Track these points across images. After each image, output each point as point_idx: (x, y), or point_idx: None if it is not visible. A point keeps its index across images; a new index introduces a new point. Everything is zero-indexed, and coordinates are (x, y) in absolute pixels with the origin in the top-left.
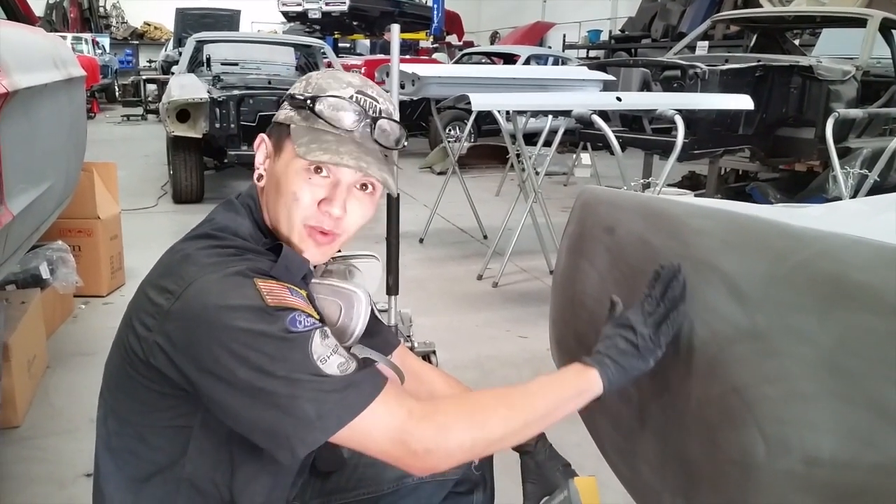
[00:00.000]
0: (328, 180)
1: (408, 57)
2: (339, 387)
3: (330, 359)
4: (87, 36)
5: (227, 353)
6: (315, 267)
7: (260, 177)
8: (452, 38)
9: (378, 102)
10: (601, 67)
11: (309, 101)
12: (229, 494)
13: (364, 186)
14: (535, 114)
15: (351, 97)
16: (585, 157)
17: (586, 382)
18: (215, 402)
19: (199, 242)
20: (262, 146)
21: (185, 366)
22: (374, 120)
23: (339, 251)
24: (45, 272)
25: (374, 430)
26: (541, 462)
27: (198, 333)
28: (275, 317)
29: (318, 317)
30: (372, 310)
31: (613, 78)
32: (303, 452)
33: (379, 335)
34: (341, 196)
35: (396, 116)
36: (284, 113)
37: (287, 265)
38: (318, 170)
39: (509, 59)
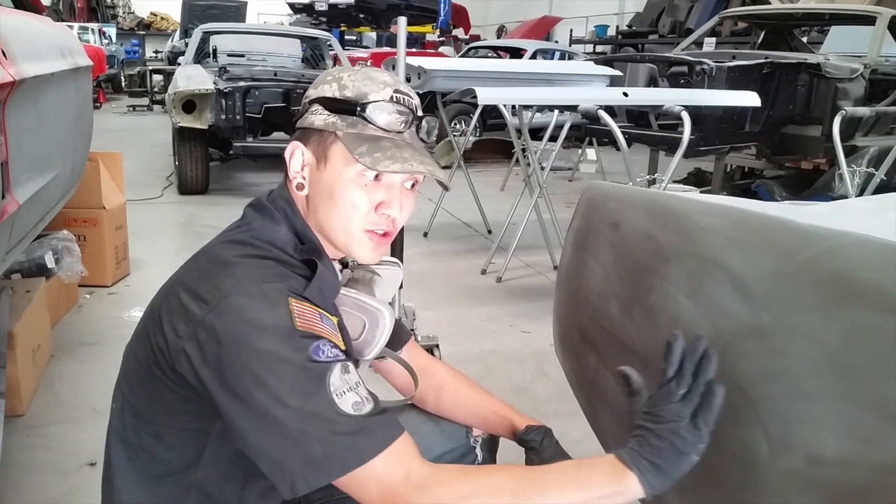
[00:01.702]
0: (382, 184)
1: (414, 50)
2: (349, 430)
3: (346, 395)
4: (94, 26)
5: (248, 374)
6: (342, 271)
7: (300, 186)
8: (459, 32)
9: (412, 98)
10: (608, 63)
11: (359, 108)
12: None
13: (411, 184)
14: (541, 108)
15: (391, 98)
16: (591, 153)
17: (622, 486)
18: (230, 420)
19: (238, 249)
20: (296, 154)
21: (208, 378)
22: (419, 119)
23: None
24: (50, 261)
25: (370, 485)
26: (546, 459)
27: (226, 349)
28: (300, 343)
29: (343, 347)
30: None
31: (620, 73)
32: (302, 491)
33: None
34: (398, 197)
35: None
36: (322, 118)
37: (321, 287)
38: (376, 176)
39: (516, 53)
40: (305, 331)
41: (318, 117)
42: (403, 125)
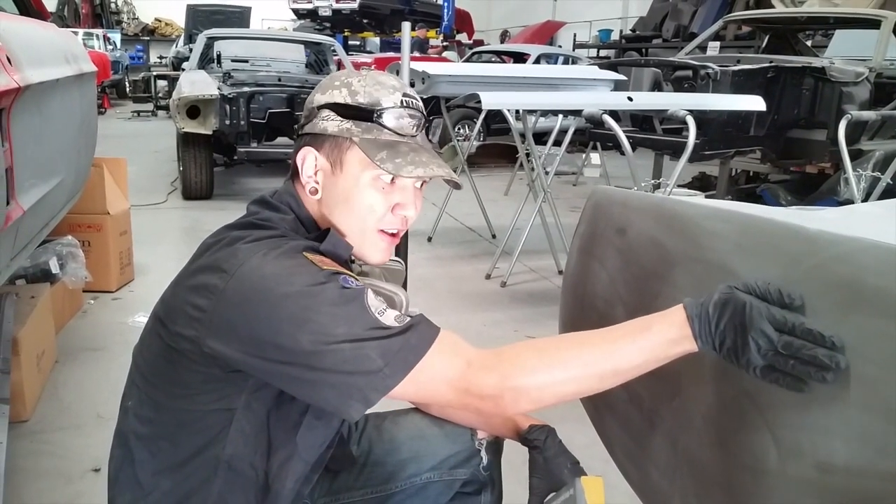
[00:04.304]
0: (397, 186)
1: (418, 55)
2: (400, 331)
3: (386, 312)
4: (99, 32)
5: (287, 320)
6: (351, 264)
7: (314, 190)
8: (462, 37)
9: (418, 101)
10: (612, 67)
11: (375, 115)
12: (265, 477)
13: (420, 184)
14: (545, 113)
15: (402, 103)
16: (595, 157)
17: (679, 332)
18: (278, 373)
19: (245, 230)
20: (308, 159)
21: (246, 341)
22: (429, 122)
23: None
24: (54, 267)
25: (438, 384)
26: (549, 458)
27: (256, 304)
28: (328, 278)
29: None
30: None
31: (624, 78)
32: (375, 400)
33: None
34: (412, 198)
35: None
36: (335, 124)
37: (335, 242)
38: (392, 179)
39: (519, 57)
40: (329, 269)
41: (331, 123)
42: (416, 129)
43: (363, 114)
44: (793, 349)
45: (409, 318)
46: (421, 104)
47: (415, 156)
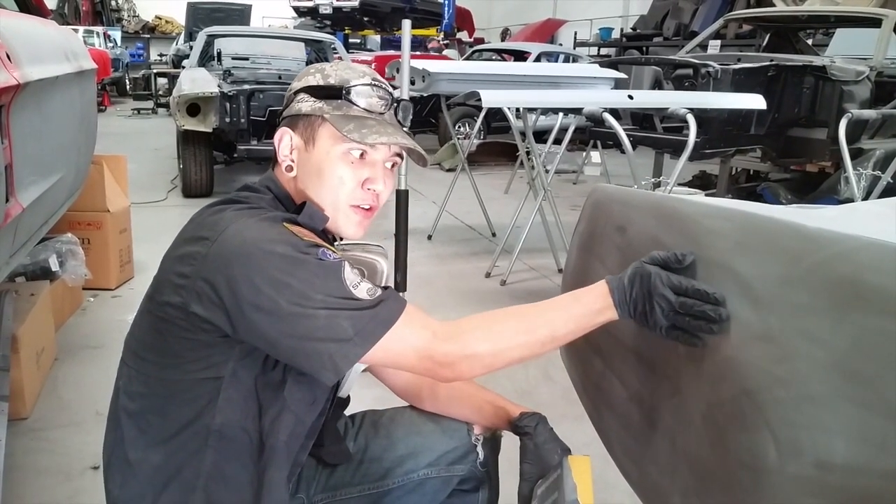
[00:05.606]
0: (367, 162)
1: (418, 53)
2: (370, 306)
3: (360, 285)
4: (99, 29)
5: (267, 282)
6: (334, 242)
7: (290, 167)
8: (463, 35)
9: (388, 86)
10: (613, 65)
11: (344, 91)
12: (258, 437)
13: (391, 164)
14: (546, 111)
15: (370, 84)
16: (595, 156)
17: (601, 301)
18: (257, 333)
19: (226, 204)
20: (284, 139)
21: (227, 302)
22: (398, 102)
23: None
24: (54, 264)
25: (403, 348)
26: (539, 444)
27: (238, 267)
28: (308, 249)
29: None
30: None
31: (625, 76)
32: (345, 368)
33: None
34: (381, 174)
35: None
36: (308, 105)
37: (311, 214)
38: (361, 155)
39: (520, 56)
40: (309, 241)
41: (305, 104)
42: (384, 107)
43: (334, 92)
44: (687, 307)
45: (379, 292)
46: (390, 88)
47: (381, 128)
